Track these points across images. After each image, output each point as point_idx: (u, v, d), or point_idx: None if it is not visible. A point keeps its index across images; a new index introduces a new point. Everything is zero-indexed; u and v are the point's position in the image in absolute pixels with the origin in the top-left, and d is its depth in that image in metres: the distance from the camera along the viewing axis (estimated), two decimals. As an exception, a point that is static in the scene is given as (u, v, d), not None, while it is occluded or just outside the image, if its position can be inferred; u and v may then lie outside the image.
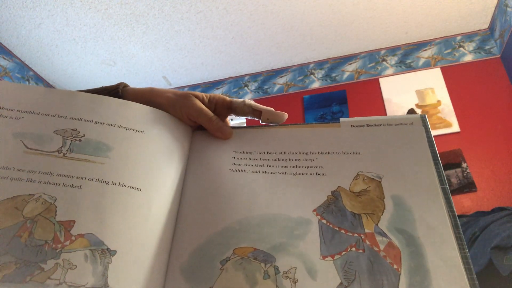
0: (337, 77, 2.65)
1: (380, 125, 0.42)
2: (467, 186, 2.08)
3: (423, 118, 0.42)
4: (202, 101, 0.44)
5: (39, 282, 0.29)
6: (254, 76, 2.86)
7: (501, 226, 1.49)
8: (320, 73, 2.71)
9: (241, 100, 0.46)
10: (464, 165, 2.13)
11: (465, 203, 2.04)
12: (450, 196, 0.36)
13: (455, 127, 2.25)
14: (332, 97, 2.58)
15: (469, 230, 1.58)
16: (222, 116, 0.46)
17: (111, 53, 2.57)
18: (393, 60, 2.58)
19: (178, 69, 2.76)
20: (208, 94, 0.46)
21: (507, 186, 2.04)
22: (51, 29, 2.34)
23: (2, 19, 2.26)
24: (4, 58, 2.45)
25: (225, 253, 0.34)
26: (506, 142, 2.13)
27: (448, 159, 2.14)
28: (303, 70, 2.76)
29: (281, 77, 2.79)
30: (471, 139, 2.19)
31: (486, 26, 2.46)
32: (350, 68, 2.65)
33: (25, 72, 2.61)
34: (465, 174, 2.10)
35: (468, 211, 1.95)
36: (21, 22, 2.28)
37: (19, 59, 2.57)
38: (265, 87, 2.78)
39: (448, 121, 2.27)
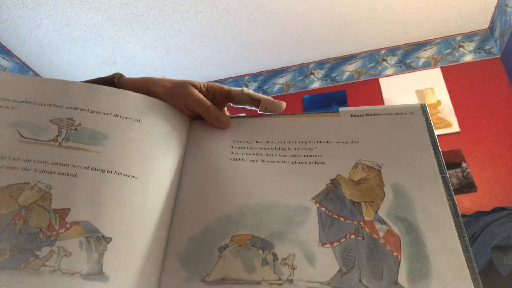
0: (337, 77, 2.65)
1: (380, 114, 0.42)
2: (467, 186, 2.07)
3: (423, 107, 0.42)
4: (200, 90, 0.44)
5: (34, 269, 0.29)
6: (254, 76, 2.86)
7: (501, 226, 1.49)
8: (320, 73, 2.71)
9: (239, 89, 0.45)
10: (464, 165, 2.13)
11: (465, 203, 2.03)
12: (450, 185, 0.36)
13: (455, 127, 2.24)
14: (332, 97, 2.58)
15: (469, 230, 1.57)
16: (220, 105, 0.46)
17: (111, 53, 2.57)
18: (393, 60, 2.58)
19: (178, 69, 2.76)
20: (205, 83, 0.45)
21: (507, 186, 2.03)
22: (51, 29, 2.34)
23: (2, 19, 2.26)
24: (4, 58, 2.46)
25: (223, 240, 0.34)
26: (506, 142, 2.13)
27: (448, 159, 2.14)
28: (303, 70, 2.76)
29: (281, 77, 2.79)
30: (471, 139, 2.19)
31: (486, 26, 2.46)
32: (350, 68, 2.65)
33: (25, 72, 2.61)
34: (465, 174, 2.10)
35: (468, 211, 1.95)
36: (21, 22, 2.28)
37: (19, 59, 2.57)
38: (265, 87, 2.78)
39: (448, 121, 2.27)
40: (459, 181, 2.09)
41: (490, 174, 2.08)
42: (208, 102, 0.43)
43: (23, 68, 2.60)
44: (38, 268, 0.29)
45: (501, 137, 2.15)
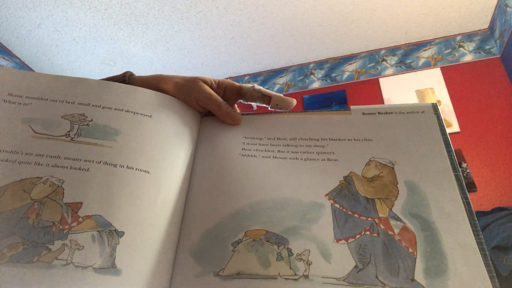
0: (337, 77, 2.66)
1: (392, 113, 0.42)
2: (467, 186, 2.08)
3: (434, 106, 0.42)
4: (211, 86, 0.44)
5: (47, 262, 0.29)
6: (254, 76, 2.86)
7: (501, 226, 1.50)
8: (320, 73, 2.71)
9: (251, 85, 0.45)
10: (464, 165, 2.13)
11: (466, 203, 2.04)
12: (463, 182, 0.36)
13: (455, 127, 2.25)
14: (332, 97, 2.58)
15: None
16: (231, 102, 0.45)
17: (111, 53, 2.57)
18: (393, 60, 2.59)
19: (178, 69, 2.76)
20: (216, 79, 0.45)
21: (507, 186, 2.04)
22: (51, 29, 2.33)
23: (2, 19, 2.25)
24: (4, 58, 2.45)
25: (236, 235, 0.34)
26: (506, 142, 2.14)
27: (449, 159, 2.15)
28: (303, 70, 2.77)
29: (281, 77, 2.79)
30: (471, 139, 2.20)
31: (486, 26, 2.46)
32: (350, 68, 2.66)
33: (24, 72, 2.60)
34: (465, 174, 2.11)
35: (469, 210, 1.95)
36: (21, 22, 2.28)
37: (19, 59, 2.56)
38: (265, 87, 2.78)
39: (448, 121, 2.27)
40: (459, 181, 2.09)
41: (490, 174, 2.09)
42: (219, 98, 0.43)
43: (23, 68, 2.59)
44: (51, 261, 0.29)
45: (501, 137, 2.16)
